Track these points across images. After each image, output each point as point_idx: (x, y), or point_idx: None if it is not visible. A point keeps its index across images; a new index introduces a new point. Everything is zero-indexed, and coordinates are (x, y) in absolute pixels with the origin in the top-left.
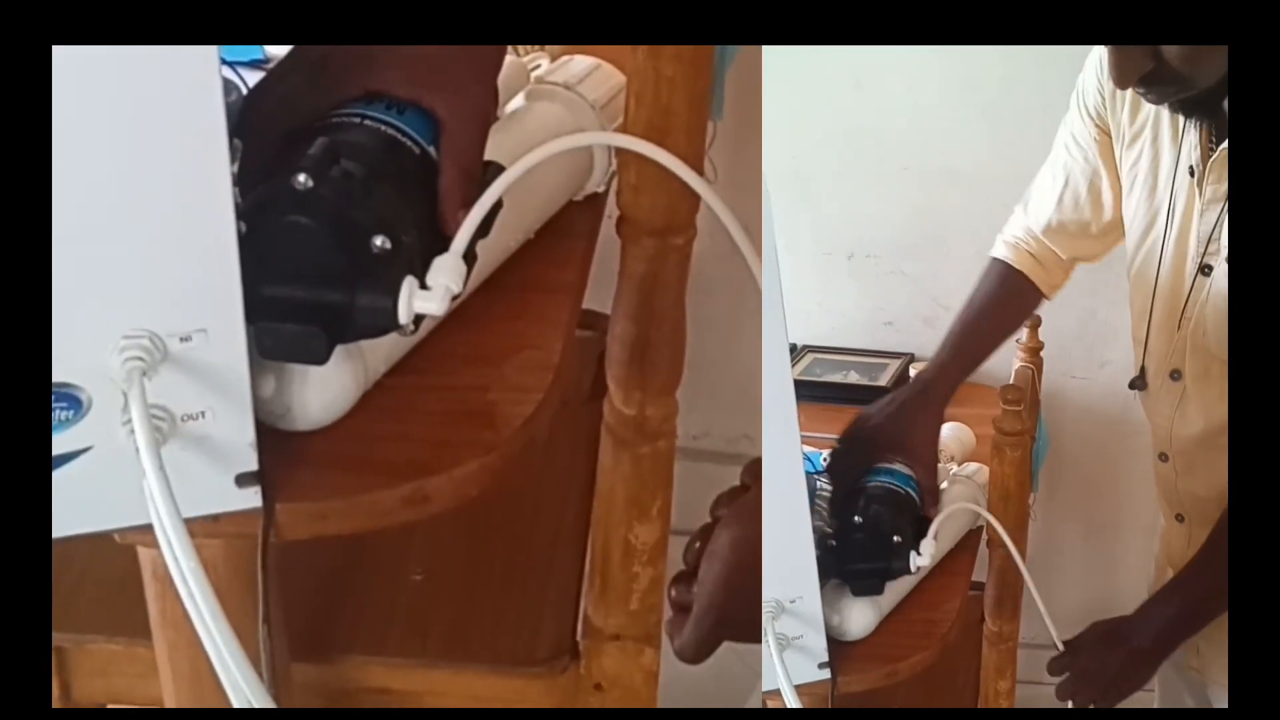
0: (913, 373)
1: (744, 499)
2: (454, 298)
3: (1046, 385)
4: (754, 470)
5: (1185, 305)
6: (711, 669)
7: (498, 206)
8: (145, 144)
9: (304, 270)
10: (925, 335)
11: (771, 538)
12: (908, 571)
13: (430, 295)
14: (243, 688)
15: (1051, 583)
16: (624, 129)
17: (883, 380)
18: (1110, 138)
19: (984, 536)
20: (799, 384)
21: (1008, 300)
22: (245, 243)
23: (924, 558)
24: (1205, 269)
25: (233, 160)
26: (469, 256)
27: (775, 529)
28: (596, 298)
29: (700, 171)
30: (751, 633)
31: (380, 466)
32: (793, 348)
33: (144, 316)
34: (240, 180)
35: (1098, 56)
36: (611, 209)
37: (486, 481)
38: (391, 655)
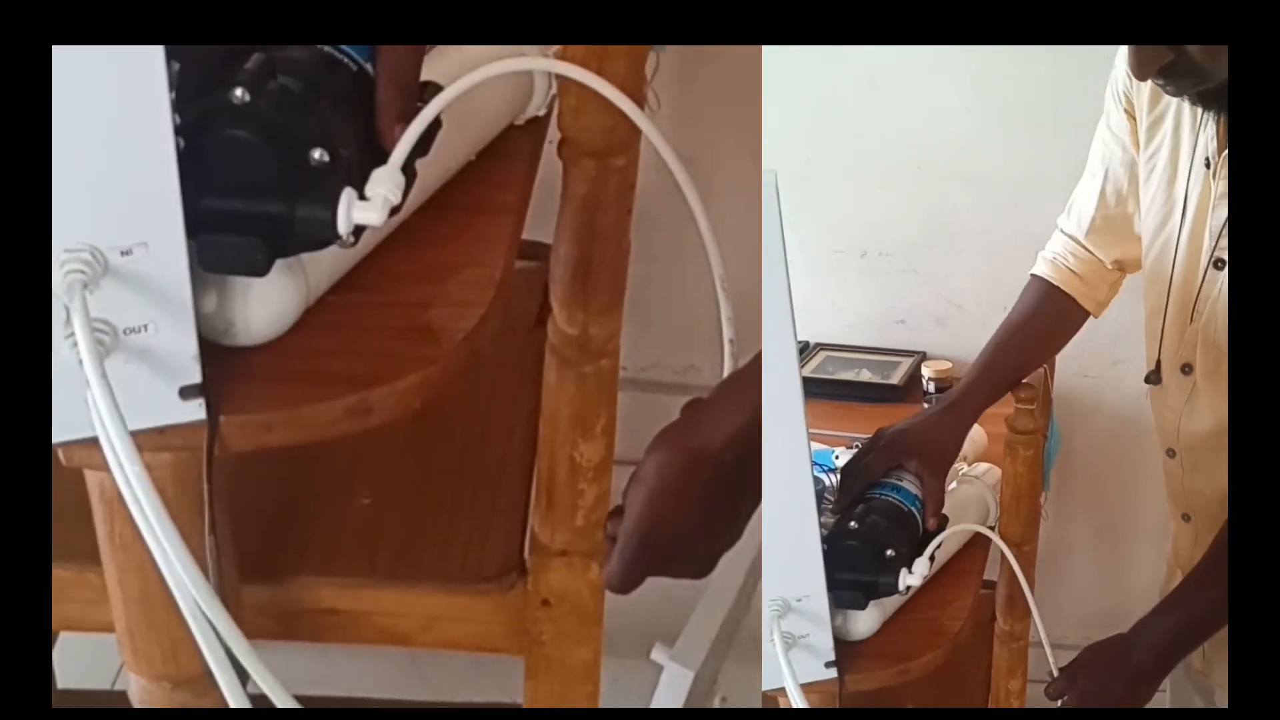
0: (924, 371)
1: (671, 425)
2: (393, 211)
3: (1058, 384)
4: (689, 407)
5: (1197, 299)
6: (658, 586)
7: (437, 125)
8: (84, 62)
9: (243, 183)
10: (937, 334)
11: (778, 536)
12: (896, 591)
13: (369, 206)
14: (191, 594)
15: (1063, 581)
16: (563, 53)
17: (894, 378)
18: (1136, 122)
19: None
20: (811, 381)
21: (1047, 318)
22: (185, 157)
23: (914, 577)
24: (1218, 263)
25: (170, 82)
26: (408, 172)
27: (782, 527)
28: (544, 229)
29: (641, 97)
30: (678, 566)
31: (323, 379)
32: (805, 345)
33: (84, 230)
34: (178, 100)
35: None
36: (554, 134)
37: (429, 394)
38: (340, 575)
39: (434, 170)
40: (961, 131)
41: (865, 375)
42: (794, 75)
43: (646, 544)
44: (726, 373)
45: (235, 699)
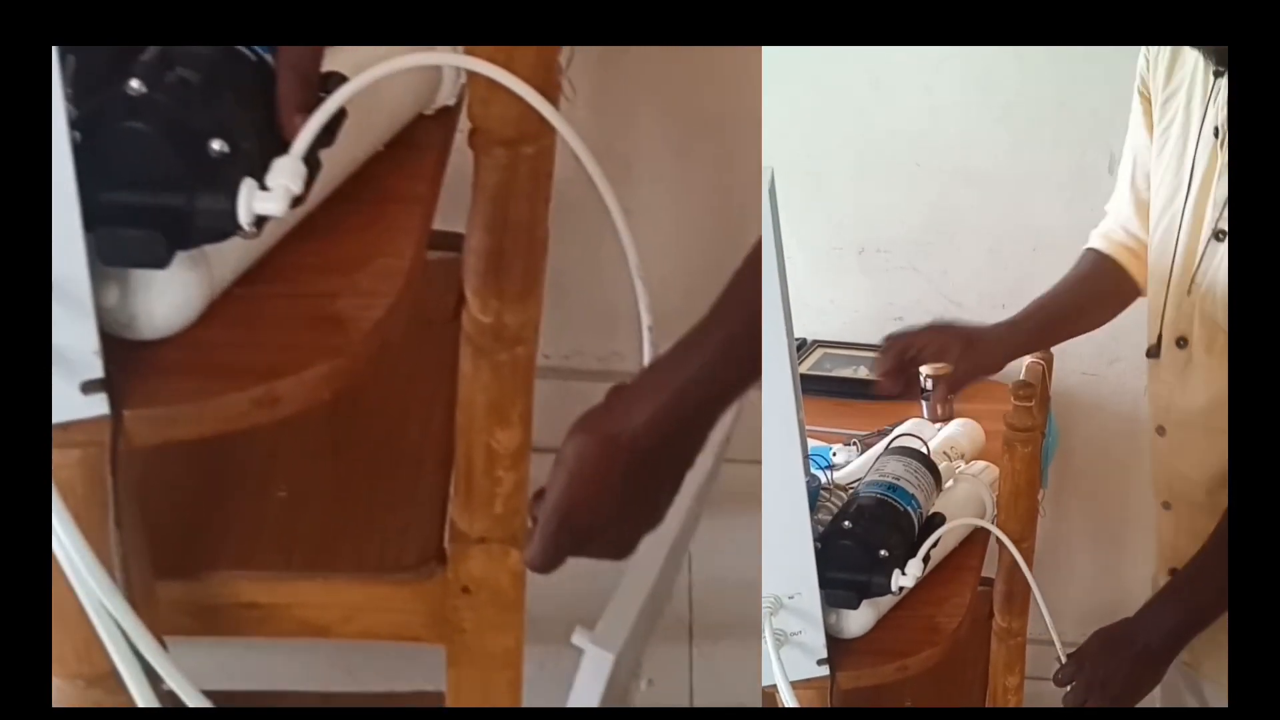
0: (923, 369)
1: (592, 409)
2: (296, 201)
3: (1057, 381)
4: (612, 392)
5: (1196, 270)
6: (580, 571)
7: (342, 115)
8: None
9: (142, 175)
10: None
11: (771, 533)
12: (888, 591)
13: (270, 196)
14: (96, 592)
15: (1060, 578)
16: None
17: None
18: (1150, 104)
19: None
20: (809, 379)
21: (1096, 282)
22: (81, 150)
23: (907, 578)
24: (1220, 235)
25: (65, 75)
26: (311, 162)
27: (775, 525)
28: (462, 220)
29: (553, 87)
30: (597, 547)
31: (230, 371)
32: (803, 342)
33: None
34: (74, 93)
35: None
36: (465, 123)
37: (338, 384)
38: (258, 569)
39: (341, 160)
40: (963, 130)
41: (863, 373)
42: (795, 74)
43: (565, 525)
44: (646, 360)
45: (143, 698)
